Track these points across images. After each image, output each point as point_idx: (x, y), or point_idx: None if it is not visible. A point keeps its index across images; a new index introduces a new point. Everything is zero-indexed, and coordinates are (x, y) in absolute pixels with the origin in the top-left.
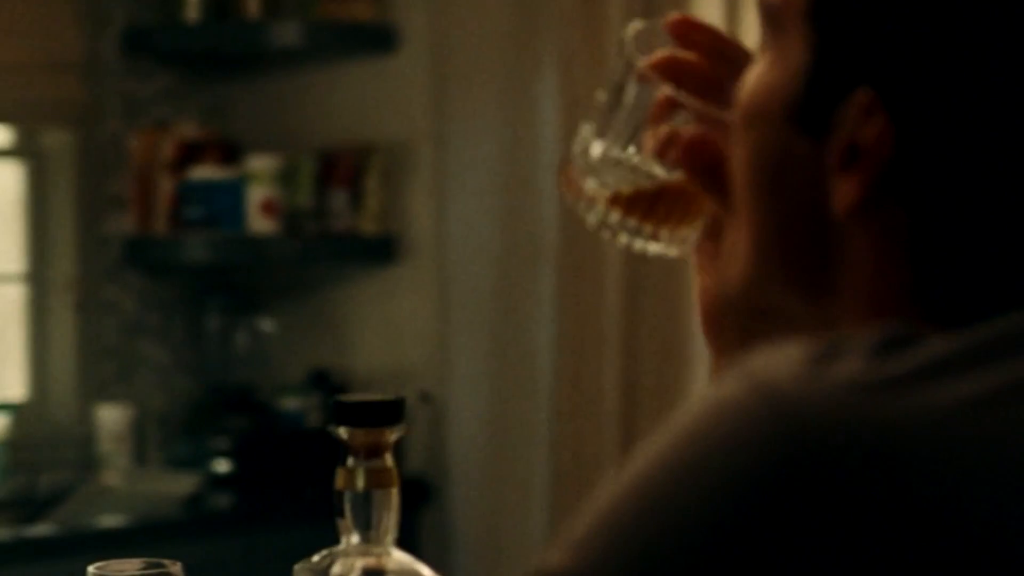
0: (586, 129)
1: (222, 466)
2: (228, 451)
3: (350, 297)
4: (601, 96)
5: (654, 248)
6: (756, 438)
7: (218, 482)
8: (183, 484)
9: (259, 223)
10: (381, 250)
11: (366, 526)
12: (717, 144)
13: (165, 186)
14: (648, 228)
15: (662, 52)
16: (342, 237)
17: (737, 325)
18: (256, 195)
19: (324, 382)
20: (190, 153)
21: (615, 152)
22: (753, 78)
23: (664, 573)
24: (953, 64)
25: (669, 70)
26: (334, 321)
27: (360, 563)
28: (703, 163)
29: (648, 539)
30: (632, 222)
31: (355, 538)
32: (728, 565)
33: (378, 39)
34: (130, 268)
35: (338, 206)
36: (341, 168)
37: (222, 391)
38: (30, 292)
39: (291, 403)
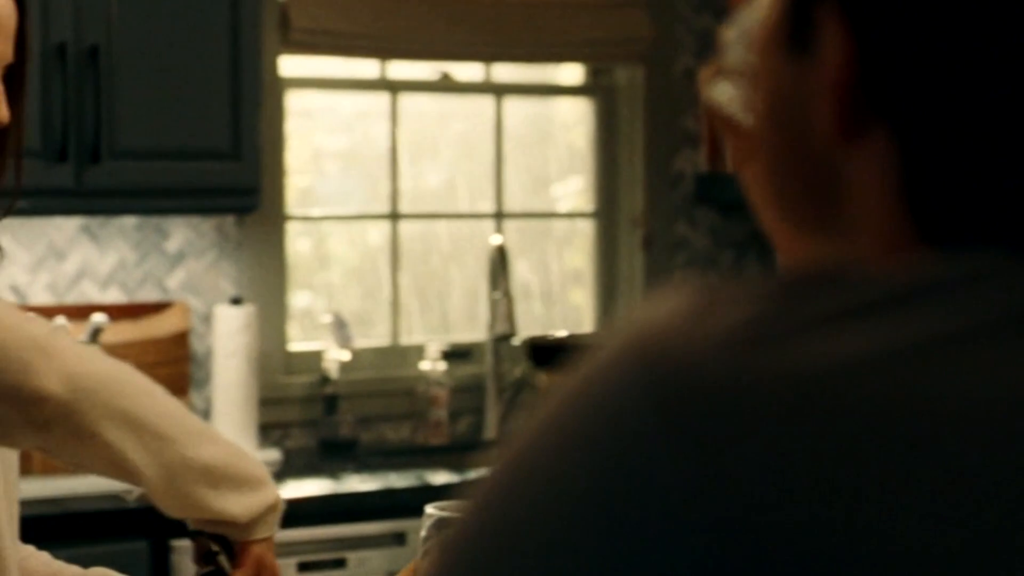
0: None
1: None
2: None
3: None
4: None
5: None
6: (620, 394)
7: None
8: None
9: None
10: None
11: None
12: None
13: None
14: None
15: None
16: None
17: None
18: None
19: None
20: None
21: None
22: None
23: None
24: None
25: None
26: None
27: None
28: None
29: (507, 517)
30: None
31: None
32: (584, 532)
33: None
34: (701, 205)
35: None
36: None
37: None
38: (599, 228)
39: None
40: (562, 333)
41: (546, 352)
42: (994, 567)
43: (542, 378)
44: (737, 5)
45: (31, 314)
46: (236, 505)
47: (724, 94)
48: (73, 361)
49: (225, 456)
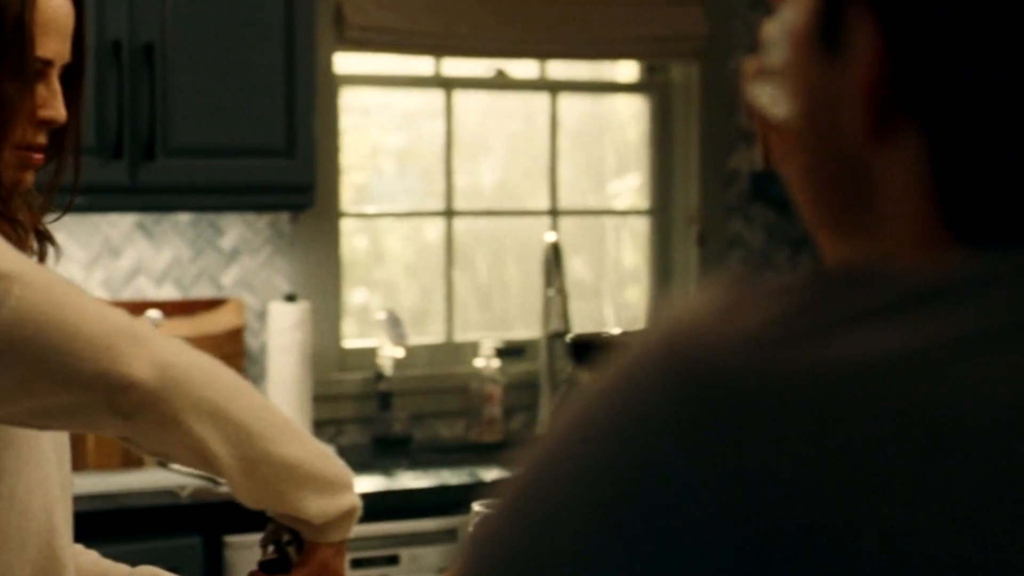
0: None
1: None
2: None
3: None
4: None
5: None
6: (647, 391)
7: None
8: None
9: None
10: None
11: None
12: None
13: None
14: None
15: None
16: None
17: None
18: None
19: None
20: None
21: None
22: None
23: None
24: None
25: None
26: None
27: None
28: None
29: (536, 514)
30: None
31: None
32: (609, 528)
33: None
34: (756, 202)
35: None
36: None
37: None
38: (654, 225)
39: None
40: (614, 331)
41: (588, 349)
42: (1019, 573)
43: (585, 375)
44: (780, 1)
45: (119, 309)
46: (313, 506)
47: (765, 93)
48: (162, 350)
49: (309, 456)
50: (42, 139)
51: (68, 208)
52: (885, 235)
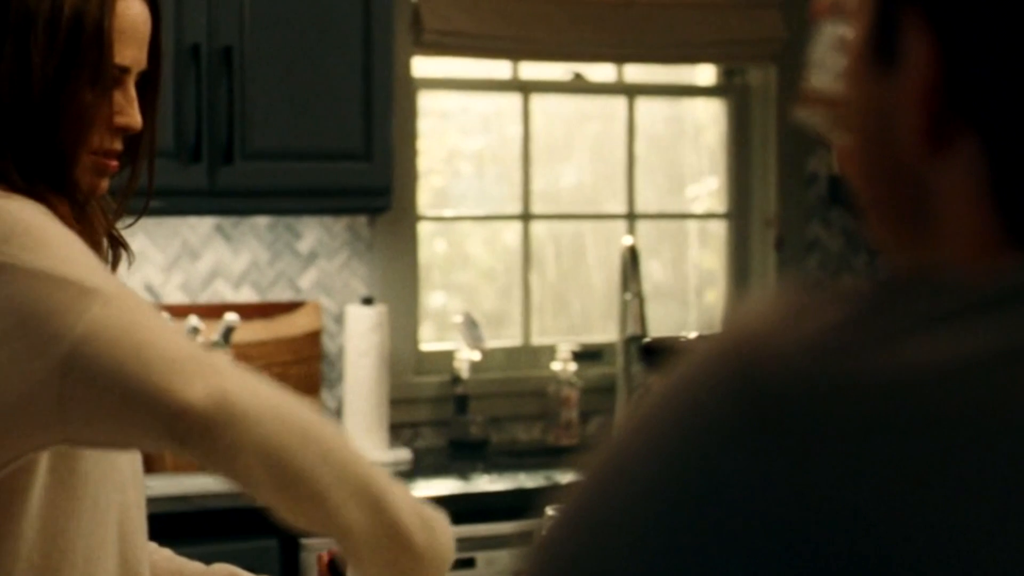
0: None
1: None
2: None
3: None
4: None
5: None
6: (711, 396)
7: None
8: None
9: None
10: None
11: None
12: None
13: None
14: None
15: None
16: None
17: None
18: None
19: None
20: None
21: None
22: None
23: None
24: None
25: None
26: None
27: None
28: None
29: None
30: None
31: None
32: (670, 530)
33: None
34: (835, 206)
35: None
36: None
37: None
38: (732, 229)
39: None
40: (689, 335)
41: (657, 354)
42: None
43: (655, 379)
44: (819, 17)
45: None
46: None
47: (814, 116)
48: (230, 382)
49: (372, 526)
50: (118, 145)
51: (143, 212)
52: (944, 243)
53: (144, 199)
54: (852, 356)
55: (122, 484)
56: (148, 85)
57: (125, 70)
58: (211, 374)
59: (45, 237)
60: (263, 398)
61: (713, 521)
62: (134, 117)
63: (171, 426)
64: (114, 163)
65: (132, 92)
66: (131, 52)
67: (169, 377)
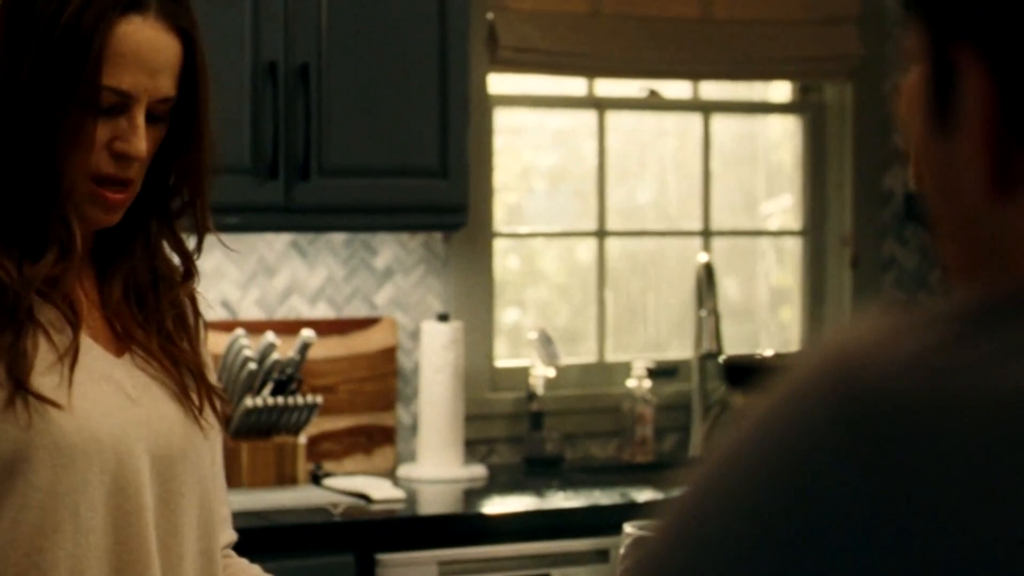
0: None
1: None
2: None
3: None
4: None
5: None
6: (814, 414)
7: None
8: None
9: None
10: None
11: None
12: None
13: None
14: None
15: None
16: None
17: None
18: None
19: None
20: None
21: None
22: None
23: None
24: None
25: None
26: None
27: None
28: None
29: (707, 530)
30: None
31: None
32: (772, 549)
33: None
34: (911, 223)
35: None
36: None
37: None
38: (807, 246)
39: None
40: (767, 352)
41: (741, 372)
42: None
43: (737, 397)
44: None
45: None
46: None
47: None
48: None
49: None
50: (122, 172)
51: (199, 245)
52: (1010, 282)
53: (220, 218)
54: (956, 376)
55: (123, 490)
56: (188, 113)
57: (125, 95)
58: None
59: None
60: None
61: (818, 542)
62: (134, 145)
63: None
64: (115, 197)
65: (138, 120)
66: (133, 78)
67: None
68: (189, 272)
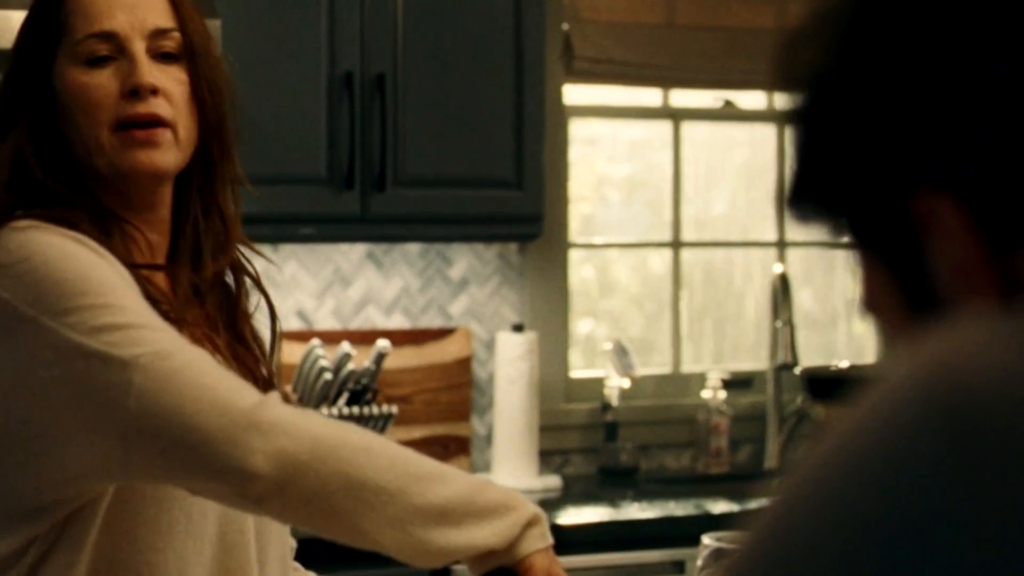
0: None
1: None
2: None
3: None
4: None
5: None
6: (911, 425)
7: None
8: None
9: None
10: None
11: None
12: None
13: None
14: None
15: None
16: None
17: None
18: None
19: None
20: None
21: None
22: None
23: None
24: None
25: None
26: None
27: None
28: None
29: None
30: None
31: None
32: (869, 560)
33: None
34: None
35: None
36: None
37: None
38: None
39: None
40: (843, 363)
41: (822, 384)
42: None
43: (818, 409)
44: None
45: (241, 382)
46: (487, 535)
47: None
48: (282, 436)
49: (458, 493)
50: (142, 108)
51: (236, 206)
52: None
53: (296, 228)
54: None
55: (237, 517)
56: (214, 137)
57: (113, 36)
58: (261, 434)
59: (76, 290)
60: (314, 436)
61: (916, 549)
62: (139, 76)
63: (243, 492)
64: (141, 134)
65: (137, 55)
66: (113, 18)
67: (225, 450)
68: (229, 235)
